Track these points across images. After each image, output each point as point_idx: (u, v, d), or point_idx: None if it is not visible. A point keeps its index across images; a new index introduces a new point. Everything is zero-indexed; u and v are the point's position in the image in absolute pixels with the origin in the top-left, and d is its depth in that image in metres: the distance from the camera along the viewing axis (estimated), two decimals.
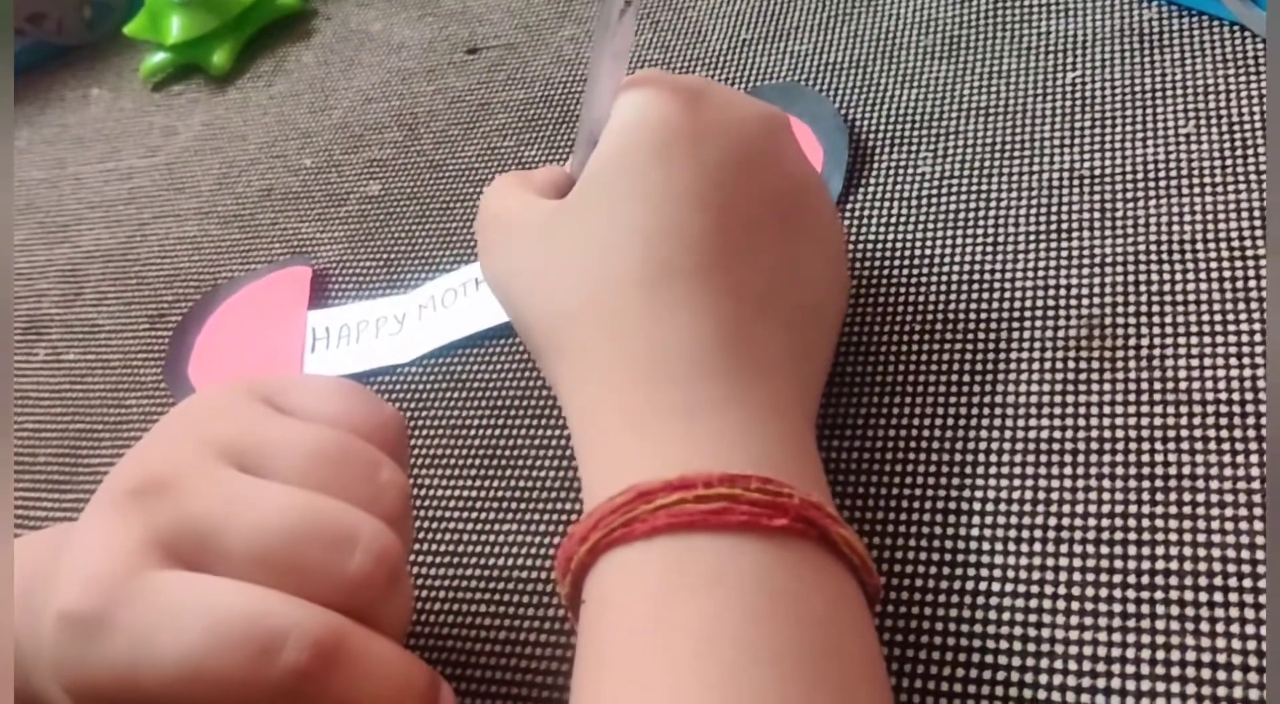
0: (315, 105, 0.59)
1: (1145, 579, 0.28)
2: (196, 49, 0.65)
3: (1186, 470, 0.29)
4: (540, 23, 0.56)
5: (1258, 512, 0.28)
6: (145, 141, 0.63)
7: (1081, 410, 0.32)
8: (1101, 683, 0.27)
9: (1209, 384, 0.31)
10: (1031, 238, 0.36)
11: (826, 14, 0.48)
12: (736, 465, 0.25)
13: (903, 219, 0.39)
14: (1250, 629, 0.26)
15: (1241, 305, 0.32)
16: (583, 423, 0.29)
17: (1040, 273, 0.35)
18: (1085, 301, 0.34)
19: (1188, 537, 0.28)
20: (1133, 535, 0.29)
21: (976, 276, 0.36)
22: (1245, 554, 0.27)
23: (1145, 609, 0.27)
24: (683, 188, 0.29)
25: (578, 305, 0.29)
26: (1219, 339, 0.32)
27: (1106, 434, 0.31)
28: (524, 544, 0.35)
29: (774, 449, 0.27)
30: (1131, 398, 0.31)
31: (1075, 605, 0.28)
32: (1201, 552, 0.28)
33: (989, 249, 0.37)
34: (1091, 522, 0.29)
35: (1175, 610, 0.27)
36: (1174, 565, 0.28)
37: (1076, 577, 0.29)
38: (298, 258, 0.49)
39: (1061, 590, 0.28)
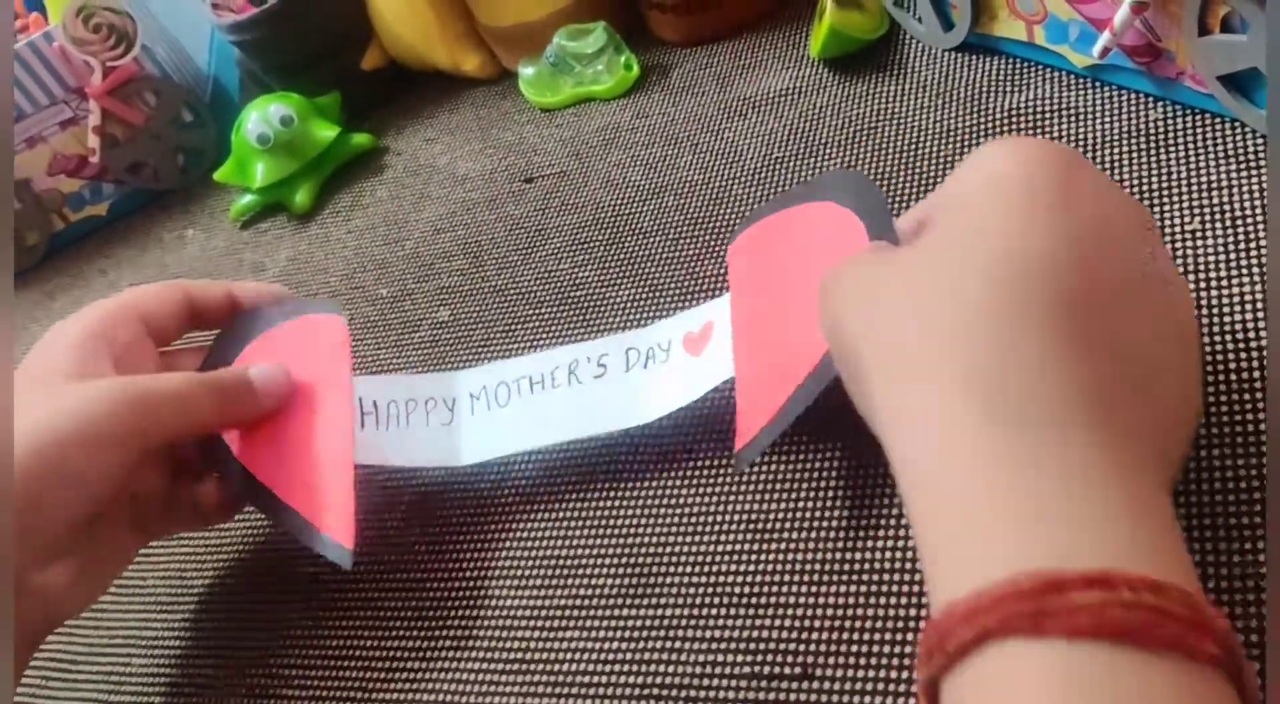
0: (389, 237, 0.64)
1: None
2: (280, 189, 0.71)
3: (1196, 559, 0.31)
4: (589, 150, 0.60)
5: (1264, 596, 0.29)
6: (236, 277, 0.69)
7: None
8: None
9: (1216, 474, 0.32)
10: None
11: (852, 129, 0.52)
12: (1136, 560, 0.22)
13: None
14: None
15: (1246, 397, 0.34)
16: (923, 471, 0.26)
17: None
18: None
19: None
20: None
21: None
22: (1254, 638, 0.29)
23: None
24: (1051, 226, 0.27)
25: (920, 333, 0.27)
26: (1225, 430, 0.33)
27: None
28: (588, 650, 0.38)
29: (1162, 543, 0.24)
30: None
31: None
32: None
33: None
34: None
35: None
36: None
37: None
38: (321, 302, 0.49)
39: None
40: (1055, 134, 0.46)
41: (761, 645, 0.35)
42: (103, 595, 0.42)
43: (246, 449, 0.44)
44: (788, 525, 0.38)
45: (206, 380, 0.42)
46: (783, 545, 0.37)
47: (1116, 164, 0.43)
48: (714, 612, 0.37)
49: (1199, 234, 0.39)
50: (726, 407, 0.41)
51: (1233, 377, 0.35)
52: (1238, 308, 0.36)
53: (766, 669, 0.34)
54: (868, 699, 0.32)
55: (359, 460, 0.41)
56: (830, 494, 0.38)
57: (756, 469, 0.40)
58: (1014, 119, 0.47)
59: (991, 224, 0.28)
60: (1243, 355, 0.35)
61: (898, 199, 0.47)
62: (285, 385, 0.43)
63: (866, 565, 0.35)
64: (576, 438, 0.43)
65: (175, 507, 0.44)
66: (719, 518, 0.39)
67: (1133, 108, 0.45)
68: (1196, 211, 0.40)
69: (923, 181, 0.47)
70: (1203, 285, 0.38)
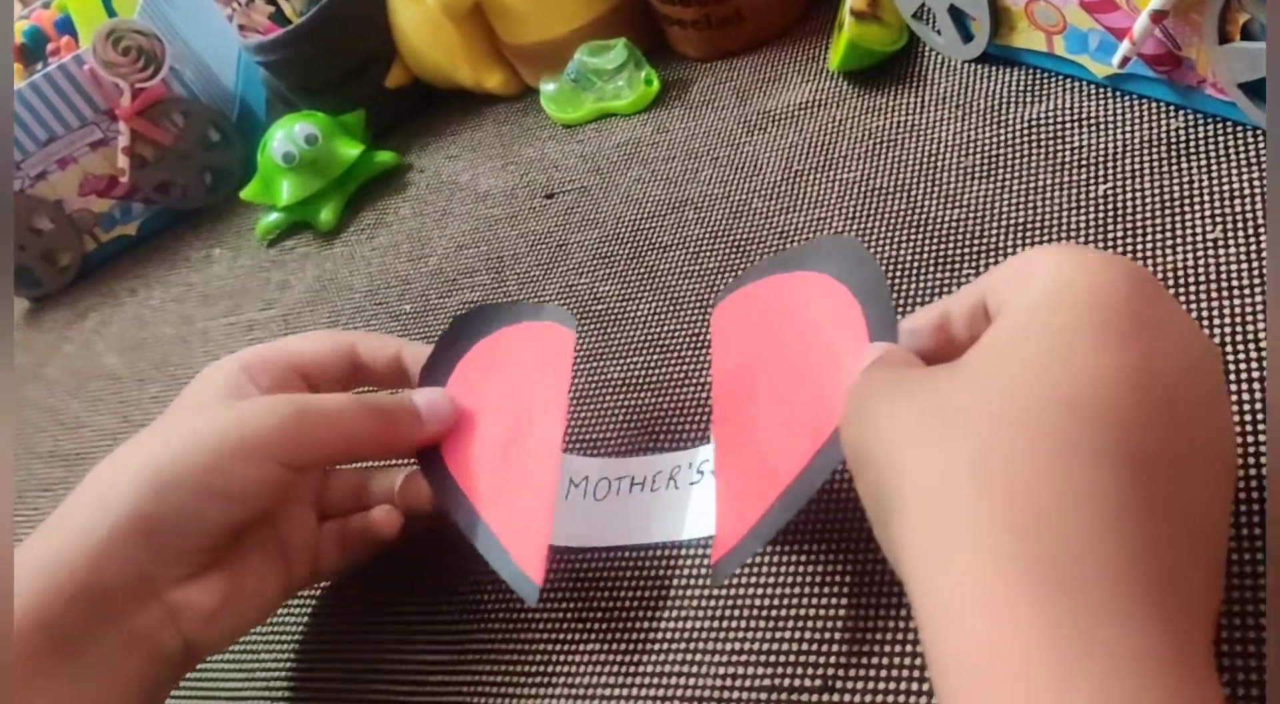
0: (413, 254, 0.64)
1: None
2: (305, 208, 0.71)
3: None
4: (610, 166, 0.61)
5: (1262, 607, 0.29)
6: (263, 295, 0.70)
7: None
8: None
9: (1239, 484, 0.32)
10: None
11: (872, 141, 0.52)
12: None
13: None
14: None
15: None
16: (965, 666, 0.23)
17: None
18: None
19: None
20: None
21: None
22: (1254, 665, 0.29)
23: None
24: (1117, 369, 0.25)
25: (973, 491, 0.24)
26: (1249, 440, 0.33)
27: None
28: (609, 663, 0.38)
29: None
30: None
31: None
32: (1225, 647, 0.29)
33: None
34: None
35: None
36: None
37: None
38: (551, 309, 0.44)
39: None
40: (1076, 144, 0.46)
41: (781, 658, 0.35)
42: (244, 636, 0.41)
43: (452, 453, 0.42)
44: (806, 537, 0.38)
45: (369, 404, 0.40)
46: (802, 557, 0.37)
47: (1137, 173, 0.43)
48: (734, 624, 0.37)
49: (1220, 243, 0.39)
50: None
51: (1255, 387, 0.34)
52: (1260, 317, 0.36)
53: (787, 682, 0.34)
54: None
55: None
56: (849, 505, 0.38)
57: None
58: (1034, 129, 0.47)
59: (1060, 364, 0.25)
60: (1266, 366, 0.35)
61: (918, 211, 0.47)
62: (451, 415, 0.42)
63: (886, 576, 0.35)
64: (655, 542, 0.41)
65: (323, 545, 0.43)
66: None
67: (1153, 116, 0.45)
68: (1218, 220, 0.40)
69: (943, 193, 0.47)
70: (1224, 294, 0.37)
